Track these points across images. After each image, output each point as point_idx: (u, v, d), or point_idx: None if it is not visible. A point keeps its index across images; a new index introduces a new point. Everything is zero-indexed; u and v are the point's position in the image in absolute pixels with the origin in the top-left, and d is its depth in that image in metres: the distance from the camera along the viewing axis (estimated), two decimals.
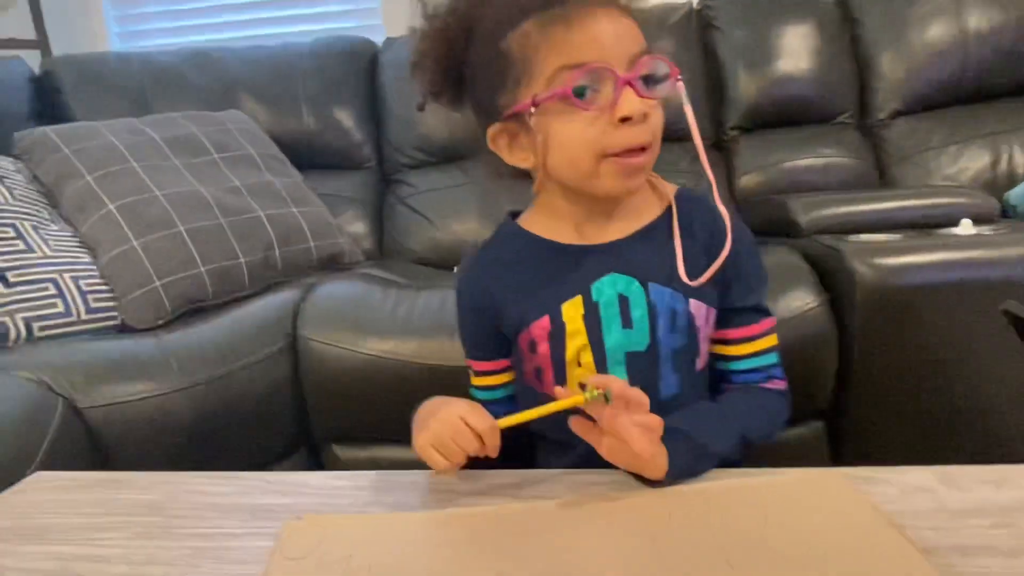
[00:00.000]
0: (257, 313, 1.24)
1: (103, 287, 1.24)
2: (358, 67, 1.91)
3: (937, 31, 1.68)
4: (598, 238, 0.67)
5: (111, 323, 1.23)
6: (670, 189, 0.69)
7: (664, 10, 1.80)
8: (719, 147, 1.77)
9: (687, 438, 0.60)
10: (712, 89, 1.77)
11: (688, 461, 0.59)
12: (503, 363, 0.74)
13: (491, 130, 0.65)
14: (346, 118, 1.87)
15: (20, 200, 1.25)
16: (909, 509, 0.54)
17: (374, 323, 1.18)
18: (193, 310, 1.30)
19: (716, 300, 0.67)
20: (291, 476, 0.69)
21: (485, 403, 0.73)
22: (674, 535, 0.52)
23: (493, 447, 0.60)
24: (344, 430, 1.21)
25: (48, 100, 1.76)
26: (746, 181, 1.70)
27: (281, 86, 1.85)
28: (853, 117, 1.75)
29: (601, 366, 0.66)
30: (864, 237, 1.18)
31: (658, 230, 0.67)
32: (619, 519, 0.55)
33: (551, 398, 0.68)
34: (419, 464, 0.97)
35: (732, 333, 0.68)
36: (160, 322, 1.25)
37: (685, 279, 0.64)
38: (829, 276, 1.11)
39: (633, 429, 0.55)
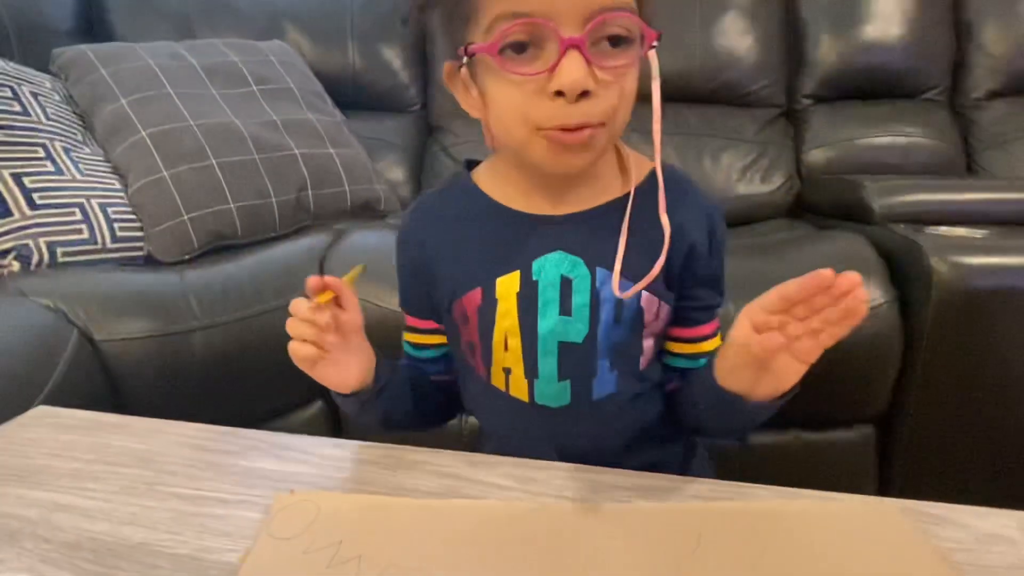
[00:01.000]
0: (283, 257, 1.20)
1: (131, 216, 1.21)
2: (410, 5, 1.80)
3: None
4: (550, 209, 0.58)
5: (137, 254, 1.20)
6: (645, 165, 0.59)
7: None
8: (789, 116, 1.63)
9: None
10: (789, 50, 1.62)
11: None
12: (432, 324, 0.66)
13: (446, 65, 0.56)
14: (394, 58, 1.78)
15: (53, 120, 1.22)
16: (984, 563, 0.47)
17: (396, 279, 1.12)
18: (221, 247, 1.26)
19: (671, 298, 0.59)
20: (293, 439, 0.65)
21: (417, 360, 0.68)
22: (702, 562, 0.46)
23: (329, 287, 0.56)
24: None
25: (92, 16, 1.71)
26: (815, 156, 1.56)
27: (329, 20, 1.77)
28: (944, 94, 1.58)
29: (529, 353, 0.59)
30: (944, 230, 1.06)
31: (618, 211, 0.57)
32: (640, 535, 0.49)
33: (485, 375, 0.63)
34: (433, 438, 0.91)
35: (697, 331, 0.62)
36: (186, 257, 1.21)
37: (615, 281, 0.55)
38: (901, 270, 1.00)
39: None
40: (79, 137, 1.26)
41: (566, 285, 0.57)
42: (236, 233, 1.28)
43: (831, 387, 1.01)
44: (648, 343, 0.60)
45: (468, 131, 1.72)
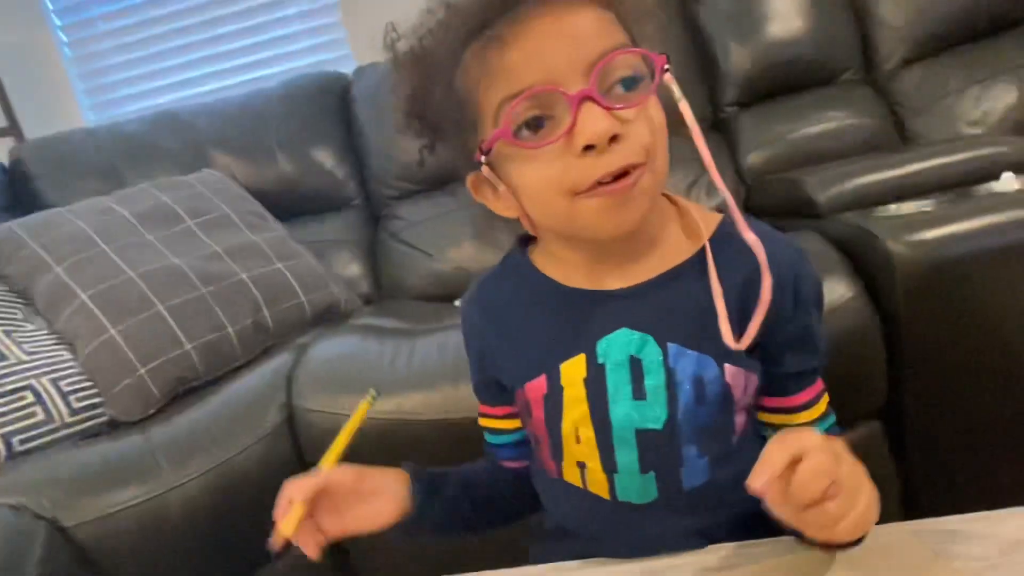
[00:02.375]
0: (249, 390, 1.16)
1: (86, 384, 1.17)
2: (330, 103, 1.82)
3: None
4: (612, 283, 0.54)
5: (99, 421, 1.16)
6: (710, 220, 0.54)
7: None
8: (718, 127, 1.65)
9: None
10: (702, 66, 1.65)
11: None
12: (507, 410, 0.63)
13: (469, 180, 0.54)
14: (325, 158, 1.79)
15: None
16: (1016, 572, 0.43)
17: (374, 383, 1.09)
18: (186, 391, 1.22)
19: (758, 366, 0.53)
20: None
21: (495, 447, 0.66)
22: None
23: (329, 483, 0.55)
24: None
25: (20, 189, 1.71)
26: (754, 159, 1.57)
27: (254, 136, 1.77)
28: (859, 73, 1.61)
29: (604, 445, 0.54)
30: (893, 208, 1.06)
31: (686, 276, 0.52)
32: None
33: (555, 470, 0.58)
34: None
35: (793, 400, 0.55)
36: (151, 411, 1.17)
37: (729, 340, 0.49)
38: (861, 260, 0.99)
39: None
40: (20, 316, 1.23)
41: (636, 366, 0.52)
42: (198, 374, 1.24)
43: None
44: (740, 419, 0.54)
45: (413, 211, 1.72)
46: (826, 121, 1.55)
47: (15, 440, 1.06)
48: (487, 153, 0.49)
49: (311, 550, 0.54)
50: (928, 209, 1.00)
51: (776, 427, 0.56)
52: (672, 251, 0.54)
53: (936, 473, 1.02)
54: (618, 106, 0.46)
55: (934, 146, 1.25)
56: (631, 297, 0.53)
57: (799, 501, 0.40)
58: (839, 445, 0.43)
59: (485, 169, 0.50)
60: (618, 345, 0.53)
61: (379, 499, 0.58)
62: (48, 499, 0.92)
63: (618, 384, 0.53)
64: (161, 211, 1.44)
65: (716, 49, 1.63)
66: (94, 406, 1.16)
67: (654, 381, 0.52)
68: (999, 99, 1.46)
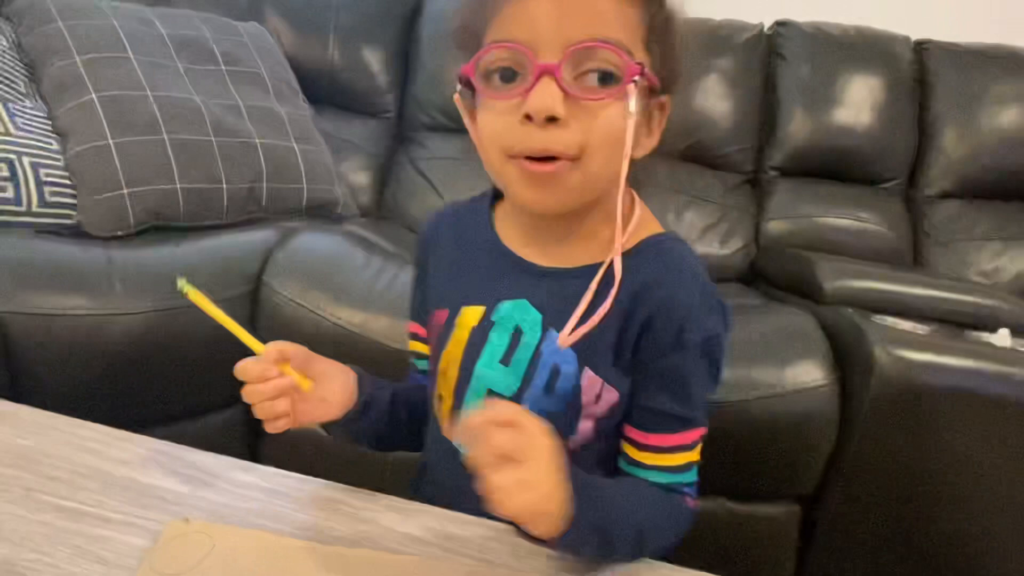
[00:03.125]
0: (225, 248, 1.13)
1: (65, 181, 1.12)
2: (399, 10, 1.77)
3: (1011, 117, 1.56)
4: (537, 257, 0.56)
5: (65, 222, 1.11)
6: (647, 229, 0.56)
7: (733, 28, 1.68)
8: (754, 184, 1.66)
9: (591, 502, 0.47)
10: (762, 121, 1.66)
11: (580, 531, 0.46)
12: (417, 328, 0.66)
13: (456, 94, 0.54)
14: (374, 60, 1.74)
15: None
16: None
17: (348, 289, 1.07)
18: (157, 228, 1.18)
19: (623, 385, 0.54)
20: (200, 457, 0.59)
21: (416, 372, 0.68)
22: None
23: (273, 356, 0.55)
24: None
25: None
26: (774, 227, 1.59)
27: (313, 9, 1.71)
28: (901, 186, 1.64)
29: (460, 391, 0.58)
30: (891, 321, 1.08)
31: (595, 277, 0.53)
32: None
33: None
34: (355, 462, 0.85)
35: (644, 437, 0.55)
36: (119, 233, 1.13)
37: (564, 335, 0.51)
38: (844, 353, 1.01)
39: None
40: (22, 89, 1.17)
41: (516, 336, 0.55)
42: (178, 215, 1.20)
43: (763, 461, 1.01)
44: (585, 425, 0.55)
45: (440, 146, 1.69)
46: (854, 219, 1.57)
47: None
48: (464, 83, 0.52)
49: (281, 418, 0.55)
50: (922, 333, 1.02)
51: (626, 457, 0.56)
52: (603, 249, 0.54)
53: (833, 564, 1.06)
54: (575, 92, 0.47)
55: (948, 280, 1.28)
56: (544, 277, 0.56)
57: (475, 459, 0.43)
58: (540, 435, 0.44)
59: (456, 96, 0.53)
60: (514, 313, 0.56)
61: (325, 387, 0.57)
62: None
63: (496, 346, 0.56)
64: (198, 44, 1.38)
65: (780, 110, 1.64)
66: (65, 205, 1.11)
67: (522, 355, 0.55)
68: (1015, 260, 1.51)
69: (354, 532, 0.52)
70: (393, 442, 0.66)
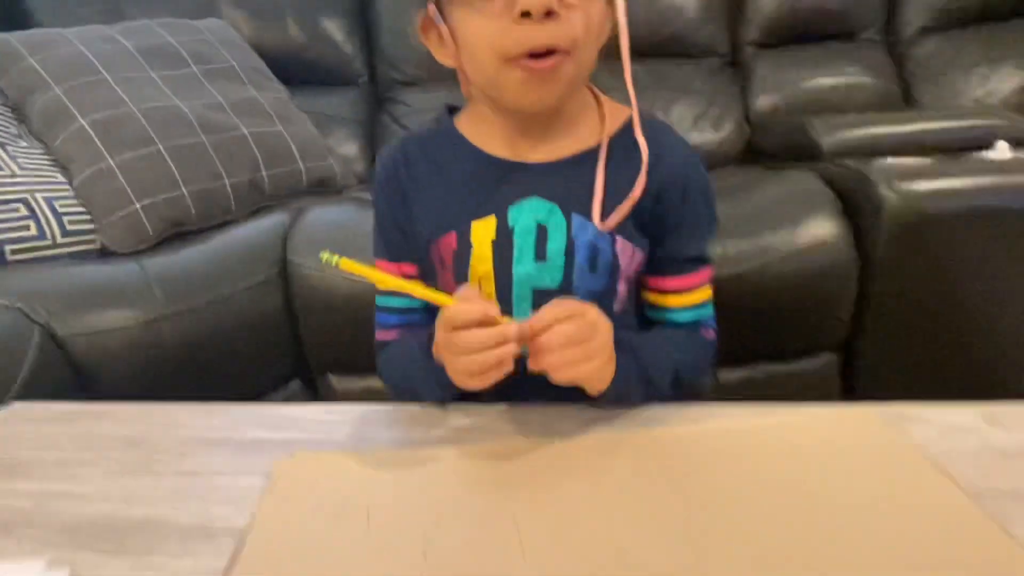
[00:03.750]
0: (245, 238, 1.17)
1: (79, 209, 1.16)
2: None
3: None
4: (528, 156, 0.59)
5: (90, 247, 1.16)
6: (622, 112, 0.61)
7: None
8: (735, 64, 1.66)
9: (634, 355, 0.55)
10: (730, 2, 1.64)
11: (630, 382, 0.54)
12: (407, 268, 0.65)
13: (420, 16, 0.56)
14: (336, 30, 1.74)
15: None
16: (952, 450, 0.50)
17: (367, 249, 1.11)
18: (176, 235, 1.23)
19: (645, 244, 0.60)
20: (283, 409, 0.65)
21: (385, 310, 0.66)
22: (698, 477, 0.48)
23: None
24: (340, 360, 1.17)
25: (8, 4, 1.62)
26: (763, 102, 1.60)
27: None
28: (879, 33, 1.63)
29: (504, 300, 0.59)
30: (891, 160, 1.10)
31: (595, 158, 0.59)
32: (635, 462, 0.51)
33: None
34: None
35: (667, 283, 0.62)
36: (142, 247, 1.18)
37: (596, 219, 0.57)
38: (852, 202, 1.04)
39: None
40: (13, 131, 1.20)
41: (541, 232, 0.58)
42: (191, 219, 1.24)
43: (792, 319, 1.05)
44: (621, 288, 0.61)
45: (419, 99, 1.70)
46: (839, 75, 1.58)
47: (7, 248, 1.06)
48: (436, 2, 0.53)
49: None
50: (925, 164, 1.05)
51: (652, 305, 0.63)
52: (586, 136, 0.59)
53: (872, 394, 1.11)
54: None
55: (938, 110, 1.30)
56: (545, 170, 0.59)
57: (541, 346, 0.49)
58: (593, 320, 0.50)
59: (431, 7, 0.54)
60: (528, 211, 0.58)
61: None
62: (42, 307, 0.93)
63: (523, 247, 0.59)
64: (165, 51, 1.40)
65: None
66: (86, 231, 1.16)
67: (556, 246, 0.58)
68: (1004, 81, 1.51)
69: (438, 437, 0.57)
70: None
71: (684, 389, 0.59)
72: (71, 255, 1.13)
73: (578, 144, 0.59)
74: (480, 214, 0.59)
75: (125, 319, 0.96)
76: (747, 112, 1.60)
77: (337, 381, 1.19)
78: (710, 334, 0.64)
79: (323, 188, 1.48)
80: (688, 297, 0.62)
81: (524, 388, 0.55)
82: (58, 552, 0.46)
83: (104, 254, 1.16)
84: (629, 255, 0.59)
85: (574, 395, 0.55)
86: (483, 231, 0.59)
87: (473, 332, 0.49)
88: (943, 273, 0.99)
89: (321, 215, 1.21)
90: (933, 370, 1.06)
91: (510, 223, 0.58)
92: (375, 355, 0.69)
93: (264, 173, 1.36)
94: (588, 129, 0.60)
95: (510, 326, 0.49)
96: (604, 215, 0.57)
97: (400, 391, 0.65)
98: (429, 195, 0.61)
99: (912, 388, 1.07)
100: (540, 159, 0.59)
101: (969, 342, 1.04)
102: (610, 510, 0.45)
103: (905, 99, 1.58)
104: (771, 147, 1.41)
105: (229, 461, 0.57)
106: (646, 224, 0.59)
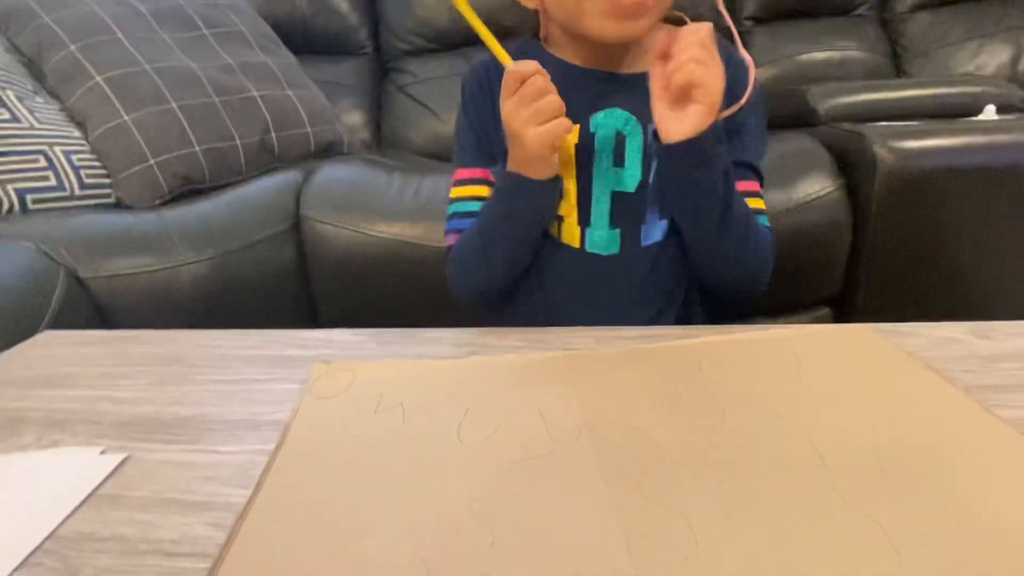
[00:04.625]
0: (258, 194, 1.20)
1: (96, 163, 1.19)
2: None
3: None
4: (610, 69, 0.64)
5: (106, 201, 1.19)
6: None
7: None
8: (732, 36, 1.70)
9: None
10: None
11: (722, 156, 0.58)
12: (486, 173, 0.68)
13: None
14: (341, 0, 1.76)
15: (2, 69, 1.18)
16: (941, 356, 0.54)
17: (380, 205, 1.15)
18: (190, 192, 1.25)
19: None
20: (312, 333, 0.68)
21: (462, 215, 0.70)
22: (708, 380, 0.52)
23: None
24: (353, 314, 1.20)
25: None
26: (760, 74, 1.62)
27: None
28: (873, 9, 1.68)
29: (584, 201, 0.64)
30: (884, 124, 1.15)
31: None
32: (650, 366, 0.55)
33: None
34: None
35: None
36: (157, 202, 1.20)
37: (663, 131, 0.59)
38: (847, 161, 1.08)
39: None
40: (29, 87, 1.22)
41: (620, 140, 0.62)
42: (204, 177, 1.27)
43: (788, 274, 1.09)
44: None
45: (424, 68, 1.73)
46: (834, 49, 1.62)
47: (28, 197, 1.08)
48: None
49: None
50: (917, 124, 1.09)
51: None
52: None
53: None
54: None
55: (931, 77, 1.34)
56: (624, 83, 0.63)
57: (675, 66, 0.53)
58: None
59: None
60: (609, 121, 0.63)
61: None
62: (66, 250, 0.96)
63: (604, 151, 0.63)
64: (176, 13, 1.42)
65: None
66: (103, 185, 1.18)
67: (633, 152, 0.63)
68: (993, 56, 1.56)
69: (460, 353, 0.61)
70: (519, 265, 0.68)
71: (750, 237, 0.63)
72: (89, 207, 1.15)
73: (649, 62, 0.61)
74: None
75: (145, 264, 0.99)
76: None
77: None
78: (767, 234, 0.66)
79: (330, 153, 1.51)
80: (747, 203, 0.64)
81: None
82: (113, 442, 0.49)
83: (120, 208, 1.19)
84: None
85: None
86: (567, 136, 0.61)
87: (537, 77, 0.54)
88: (934, 227, 1.04)
89: (332, 172, 1.24)
90: (924, 319, 1.11)
91: (592, 129, 0.63)
92: (445, 264, 0.72)
93: (274, 135, 1.39)
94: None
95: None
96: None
97: (482, 246, 0.67)
98: None
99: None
100: (621, 71, 0.63)
101: (959, 294, 1.08)
102: (628, 403, 0.49)
103: (897, 73, 1.63)
104: (770, 115, 1.45)
105: (266, 372, 0.60)
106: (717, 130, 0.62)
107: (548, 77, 0.56)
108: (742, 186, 0.64)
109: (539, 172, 0.60)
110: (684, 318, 0.70)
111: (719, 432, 0.45)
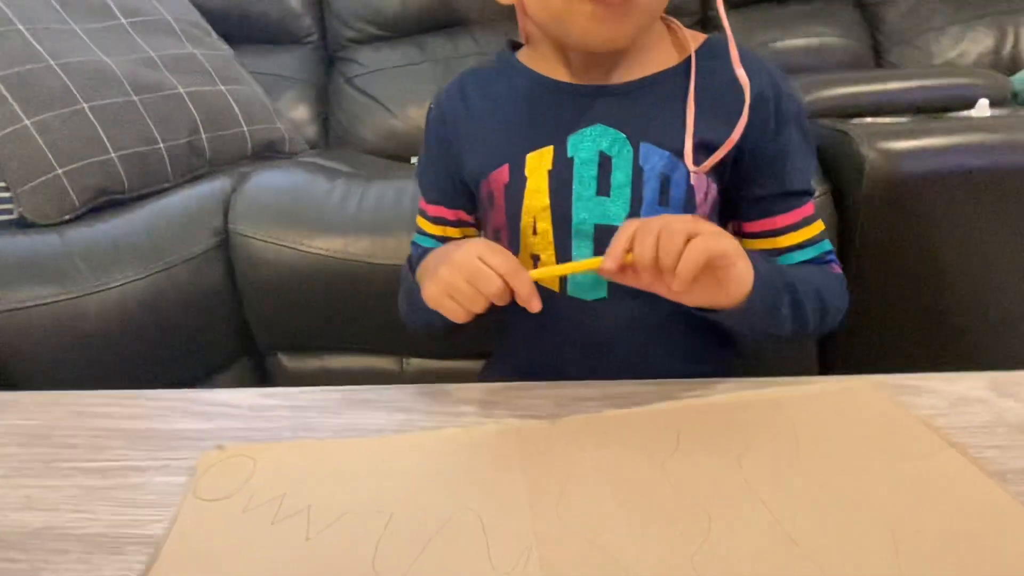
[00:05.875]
0: (181, 206, 1.07)
1: None
2: None
3: None
4: (595, 80, 0.54)
5: (7, 217, 1.04)
6: (693, 38, 0.55)
7: None
8: (705, 25, 1.60)
9: (772, 266, 0.50)
10: None
11: (776, 286, 0.49)
12: (455, 214, 0.62)
13: None
14: None
15: None
16: (962, 424, 0.46)
17: (319, 218, 1.03)
18: (107, 203, 1.12)
19: (718, 178, 0.54)
20: (216, 395, 0.57)
21: (420, 248, 0.65)
22: (687, 462, 0.42)
23: (521, 285, 0.46)
24: (291, 338, 1.09)
25: None
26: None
27: None
28: None
29: (562, 238, 0.54)
30: (869, 121, 1.06)
31: (670, 82, 0.53)
32: (615, 443, 0.45)
33: None
34: (378, 377, 0.84)
35: (777, 221, 0.55)
36: (67, 217, 1.06)
37: (689, 160, 0.51)
38: (831, 163, 0.99)
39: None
40: None
41: (605, 163, 0.52)
42: (123, 186, 1.13)
43: None
44: None
45: (373, 58, 1.60)
46: (811, 36, 1.53)
47: None
48: None
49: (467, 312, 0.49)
50: (904, 122, 1.00)
51: (765, 253, 0.55)
52: (658, 59, 0.54)
53: (855, 365, 1.08)
54: None
55: (917, 68, 1.26)
56: (611, 95, 0.53)
57: (641, 259, 0.43)
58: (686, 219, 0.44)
59: None
60: (590, 141, 0.53)
61: None
62: None
63: (584, 179, 0.53)
64: (88, 1, 1.26)
65: None
66: (3, 200, 1.04)
67: (622, 178, 0.52)
68: (977, 41, 1.48)
69: (392, 422, 0.51)
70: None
71: (827, 320, 0.54)
72: None
73: (646, 68, 0.53)
74: (536, 145, 0.54)
75: (45, 295, 0.87)
76: None
77: (288, 360, 1.10)
78: (837, 269, 0.58)
79: (271, 153, 1.38)
80: (803, 233, 0.55)
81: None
82: None
83: (24, 225, 1.05)
84: (704, 188, 0.53)
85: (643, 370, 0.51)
86: (538, 162, 0.54)
87: (495, 279, 0.46)
88: (926, 234, 0.95)
89: (266, 180, 1.11)
90: (914, 336, 1.03)
91: (569, 153, 0.53)
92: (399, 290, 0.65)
93: (204, 136, 1.25)
94: (658, 53, 0.54)
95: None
96: (683, 145, 0.51)
97: (411, 306, 0.61)
98: (483, 129, 0.57)
99: (893, 356, 1.06)
100: (606, 82, 0.54)
101: (952, 307, 1.01)
102: (591, 503, 0.39)
103: (877, 60, 1.54)
104: None
105: (150, 455, 0.49)
106: (739, 164, 0.53)
107: (530, 290, 0.47)
108: (797, 215, 0.55)
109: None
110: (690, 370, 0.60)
111: (705, 549, 0.36)
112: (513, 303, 0.59)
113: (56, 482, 0.47)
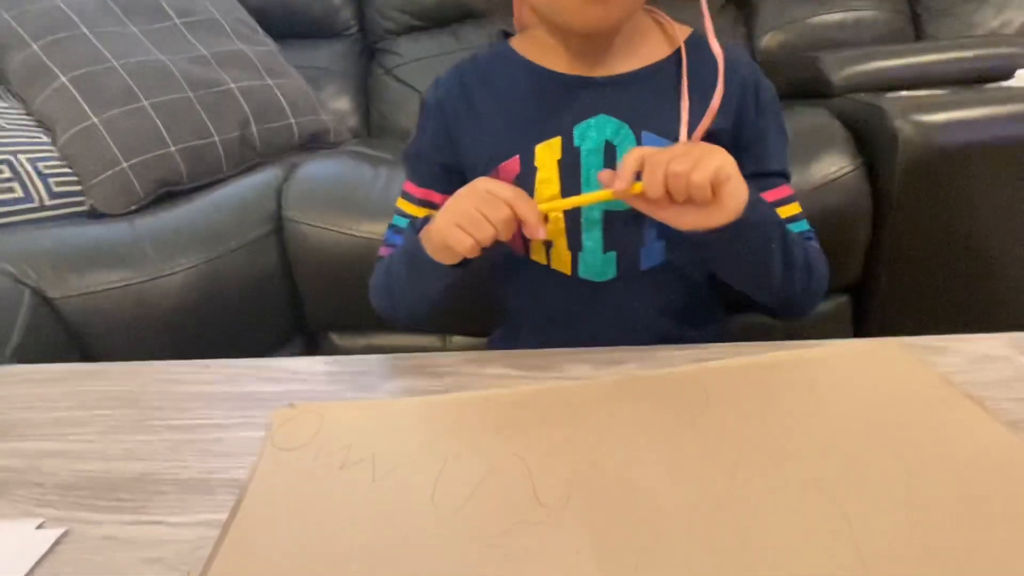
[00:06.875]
0: (237, 195, 1.14)
1: (65, 170, 1.12)
2: None
3: None
4: (591, 72, 0.57)
5: (79, 209, 1.13)
6: (681, 31, 0.58)
7: None
8: (738, 3, 1.60)
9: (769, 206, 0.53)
10: None
11: (768, 210, 0.52)
12: (444, 199, 0.60)
13: None
14: None
15: None
16: (982, 379, 0.48)
17: (365, 203, 1.08)
18: (167, 194, 1.19)
19: None
20: (282, 362, 0.62)
21: (399, 230, 0.65)
22: (715, 417, 0.46)
23: (528, 211, 0.48)
24: (341, 317, 1.15)
25: None
26: (769, 40, 1.53)
27: None
28: None
29: (573, 223, 0.57)
30: (905, 94, 1.06)
31: (663, 73, 0.56)
32: (651, 400, 0.48)
33: (522, 250, 0.61)
34: (423, 349, 0.89)
35: None
36: (133, 207, 1.14)
37: (684, 135, 0.54)
38: (865, 137, 1.00)
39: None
40: None
41: (610, 151, 0.56)
42: (182, 178, 1.21)
43: None
44: None
45: (411, 48, 1.64)
46: (847, 10, 1.51)
47: None
48: None
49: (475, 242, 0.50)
50: (939, 95, 1.00)
51: None
52: (651, 51, 0.57)
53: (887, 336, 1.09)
54: None
55: (949, 41, 1.24)
56: (610, 86, 0.56)
57: (652, 194, 0.47)
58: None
59: None
60: (595, 130, 0.56)
61: None
62: (32, 269, 0.90)
63: (592, 167, 0.56)
64: (145, 3, 1.34)
65: None
66: (74, 193, 1.12)
67: None
68: (1020, 10, 1.45)
69: (443, 385, 0.55)
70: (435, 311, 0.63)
71: (814, 280, 0.57)
72: (60, 218, 1.09)
73: (642, 60, 0.57)
74: (544, 136, 0.56)
75: (117, 279, 0.94)
76: (753, 51, 1.54)
77: (339, 339, 1.17)
78: (817, 246, 0.60)
79: (316, 144, 1.44)
80: (783, 211, 0.58)
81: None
82: (53, 511, 0.44)
83: (94, 216, 1.13)
84: None
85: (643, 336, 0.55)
86: (548, 153, 0.56)
87: (504, 207, 0.48)
88: (960, 208, 0.96)
89: (315, 169, 1.17)
90: (948, 309, 1.04)
91: (576, 143, 0.56)
92: (372, 273, 0.66)
93: (254, 129, 1.32)
94: (650, 45, 0.58)
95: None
96: (676, 134, 0.55)
97: (390, 288, 0.62)
98: (488, 121, 0.59)
99: (926, 325, 1.06)
100: (604, 74, 0.56)
101: (986, 279, 1.01)
102: (626, 450, 0.43)
103: (917, 34, 1.52)
104: (780, 85, 1.35)
105: (228, 414, 0.55)
106: (724, 145, 0.55)
107: (537, 217, 0.49)
108: (775, 194, 0.58)
109: (442, 259, 0.53)
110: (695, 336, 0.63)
111: (730, 493, 0.39)
112: (521, 285, 0.63)
113: (149, 437, 0.52)
